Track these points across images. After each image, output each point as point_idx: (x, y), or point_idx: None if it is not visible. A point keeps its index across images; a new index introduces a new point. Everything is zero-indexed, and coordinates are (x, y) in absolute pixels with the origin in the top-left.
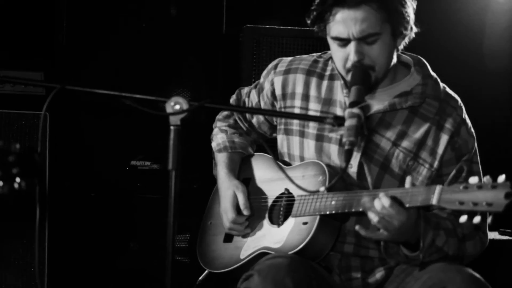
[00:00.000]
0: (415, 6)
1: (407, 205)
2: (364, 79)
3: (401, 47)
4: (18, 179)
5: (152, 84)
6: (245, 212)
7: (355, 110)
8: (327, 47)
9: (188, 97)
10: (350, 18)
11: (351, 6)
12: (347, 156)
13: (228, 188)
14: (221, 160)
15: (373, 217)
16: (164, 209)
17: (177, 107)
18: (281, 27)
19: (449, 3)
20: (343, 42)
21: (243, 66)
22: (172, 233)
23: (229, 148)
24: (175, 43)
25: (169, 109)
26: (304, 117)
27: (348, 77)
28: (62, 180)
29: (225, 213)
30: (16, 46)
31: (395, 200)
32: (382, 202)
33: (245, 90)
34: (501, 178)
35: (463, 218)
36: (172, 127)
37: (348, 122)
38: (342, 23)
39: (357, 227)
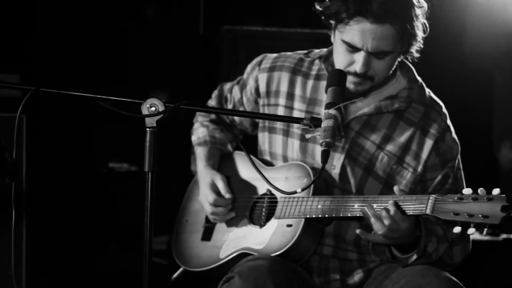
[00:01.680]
0: (427, 26)
1: None
2: (340, 81)
3: None
4: None
5: (130, 85)
6: (227, 196)
7: (332, 111)
8: (305, 48)
9: (166, 98)
10: (370, 32)
11: (374, 21)
12: (324, 157)
13: (206, 177)
14: (201, 154)
15: (377, 227)
16: (142, 211)
17: (153, 109)
18: (259, 28)
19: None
20: (353, 49)
21: (221, 67)
22: (149, 235)
23: (209, 142)
24: (152, 44)
25: (145, 111)
26: (281, 119)
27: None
28: (39, 182)
29: (205, 197)
30: None
31: (398, 208)
32: (389, 212)
33: (227, 85)
34: (496, 191)
35: (457, 229)
36: (148, 129)
37: (325, 123)
38: (361, 33)
39: (358, 231)
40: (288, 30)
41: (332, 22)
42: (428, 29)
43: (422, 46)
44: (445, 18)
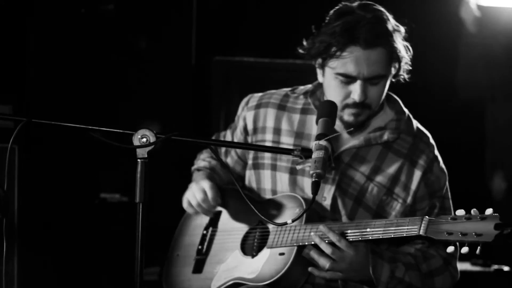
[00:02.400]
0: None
1: (392, 236)
2: (331, 112)
3: None
4: None
5: (122, 116)
6: (212, 202)
7: (322, 142)
8: (297, 79)
9: (158, 129)
10: (364, 58)
11: (367, 46)
12: (314, 188)
13: (199, 182)
14: (199, 174)
15: (322, 262)
16: (134, 241)
17: (144, 140)
18: (251, 59)
19: (421, 36)
20: (348, 79)
21: (213, 98)
22: (140, 266)
23: (209, 169)
24: (144, 75)
25: (136, 142)
26: (272, 150)
27: (343, 113)
28: (31, 213)
29: (193, 194)
30: None
31: (339, 236)
32: (331, 239)
33: (221, 134)
34: (489, 211)
35: (450, 249)
36: (139, 160)
37: (315, 154)
38: (355, 61)
39: (310, 269)
40: (280, 61)
41: (319, 61)
42: (411, 50)
43: (410, 67)
44: (437, 47)
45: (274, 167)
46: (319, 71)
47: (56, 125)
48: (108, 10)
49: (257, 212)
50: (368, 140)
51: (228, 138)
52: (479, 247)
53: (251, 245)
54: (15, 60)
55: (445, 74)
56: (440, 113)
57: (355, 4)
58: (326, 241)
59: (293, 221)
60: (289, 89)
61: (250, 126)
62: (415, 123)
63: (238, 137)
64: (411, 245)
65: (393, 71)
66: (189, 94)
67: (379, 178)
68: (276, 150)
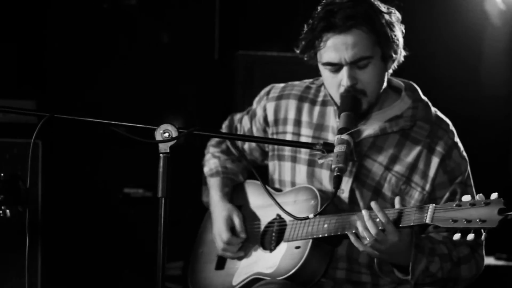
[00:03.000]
0: (403, 30)
1: (400, 225)
2: (353, 106)
3: (390, 71)
4: (2, 207)
5: (145, 111)
6: (242, 235)
7: (344, 136)
8: (319, 73)
9: (181, 123)
10: (341, 43)
11: (341, 31)
12: (336, 182)
13: (222, 211)
14: (214, 185)
15: (365, 235)
16: (157, 236)
17: (166, 134)
18: (274, 53)
19: (447, 28)
20: (335, 67)
21: (235, 93)
22: (162, 261)
23: (221, 173)
24: (167, 70)
25: (158, 137)
26: (294, 144)
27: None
28: (55, 207)
29: (219, 235)
30: (8, 74)
31: (388, 219)
32: (375, 221)
33: (237, 116)
34: (494, 195)
35: (456, 236)
36: (161, 155)
37: (337, 149)
38: (333, 48)
39: (348, 233)
40: (303, 56)
41: (312, 55)
42: (403, 31)
43: (406, 51)
44: (462, 41)
45: (294, 159)
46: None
47: (79, 120)
48: (130, 5)
49: (281, 207)
50: (384, 129)
51: (246, 124)
52: (484, 233)
53: (270, 239)
54: (37, 56)
55: (470, 68)
56: (464, 107)
57: None
58: (376, 220)
59: (314, 215)
60: (310, 80)
61: (271, 117)
62: (434, 110)
63: (257, 125)
64: (437, 231)
65: (380, 52)
66: (212, 88)
67: (397, 167)
68: (298, 144)
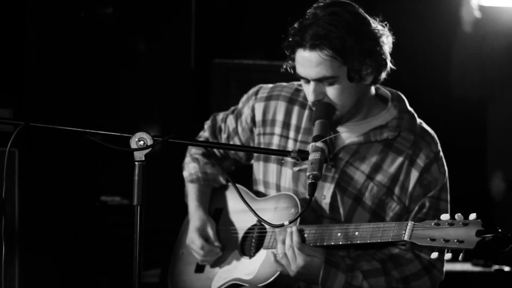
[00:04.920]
0: (390, 45)
1: (378, 240)
2: (327, 113)
3: (368, 82)
4: None
5: (121, 119)
6: (216, 244)
7: (319, 144)
8: (296, 81)
9: (157, 132)
10: (307, 60)
11: (306, 48)
12: (311, 190)
13: (196, 220)
14: (191, 192)
15: (278, 249)
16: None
17: (141, 142)
18: (250, 61)
19: (416, 34)
20: (305, 80)
21: (212, 101)
22: (138, 268)
23: (201, 180)
24: (143, 78)
25: (133, 145)
26: (269, 152)
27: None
28: (32, 216)
29: (192, 243)
30: None
31: (303, 239)
32: (291, 238)
33: (220, 116)
34: (472, 215)
35: (434, 255)
36: (136, 163)
37: (312, 156)
38: (301, 63)
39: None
40: (279, 63)
41: (291, 64)
42: (382, 50)
43: (388, 69)
44: (433, 45)
45: (280, 162)
46: None
47: (55, 129)
48: (107, 14)
49: (256, 214)
50: (367, 136)
51: (231, 123)
52: (461, 253)
53: (249, 245)
54: (14, 64)
55: (443, 73)
56: (438, 113)
57: (327, 1)
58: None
59: (290, 222)
60: (299, 83)
61: (259, 117)
62: (419, 122)
63: (243, 125)
64: (394, 246)
65: (347, 72)
66: (188, 96)
67: (379, 177)
68: (272, 152)
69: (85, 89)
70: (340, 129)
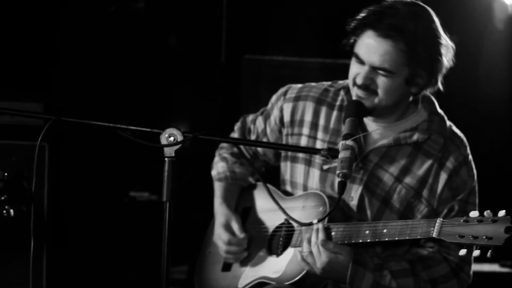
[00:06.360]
0: (447, 63)
1: (407, 237)
2: (358, 112)
3: (414, 91)
4: (6, 206)
5: (151, 115)
6: (241, 236)
7: (349, 142)
8: (326, 78)
9: (187, 128)
10: (374, 46)
11: (379, 34)
12: (340, 188)
13: (221, 216)
14: (218, 190)
15: (304, 247)
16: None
17: (171, 138)
18: (280, 58)
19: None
20: (359, 60)
21: (242, 97)
22: (166, 264)
23: (229, 178)
24: (174, 73)
25: (163, 141)
26: (299, 149)
27: (353, 91)
28: (61, 210)
29: (219, 238)
30: (17, 77)
31: (329, 237)
32: (317, 235)
33: (250, 117)
34: (502, 212)
35: (462, 252)
36: (166, 159)
37: (342, 154)
38: (366, 46)
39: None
40: (309, 60)
41: (352, 40)
42: (444, 66)
43: (439, 85)
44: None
45: (308, 162)
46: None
47: (85, 124)
48: (138, 8)
49: (285, 212)
50: (398, 140)
51: (260, 125)
52: (490, 250)
53: (277, 244)
54: (46, 59)
55: (472, 70)
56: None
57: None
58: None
59: (318, 221)
60: (329, 83)
61: (287, 118)
62: (449, 125)
63: (271, 126)
64: (423, 248)
65: (406, 73)
66: (219, 92)
67: (408, 180)
68: (302, 149)
69: (115, 84)
70: (370, 126)
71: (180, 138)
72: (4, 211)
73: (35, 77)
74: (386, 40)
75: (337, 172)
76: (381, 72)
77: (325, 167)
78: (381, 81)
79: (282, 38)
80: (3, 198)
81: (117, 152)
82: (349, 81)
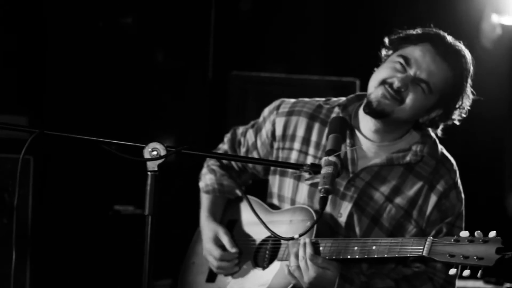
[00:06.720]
0: (464, 110)
1: (396, 255)
2: (341, 128)
3: (422, 121)
4: None
5: (137, 129)
6: (233, 250)
7: (332, 158)
8: (313, 95)
9: (173, 143)
10: (428, 61)
11: (437, 53)
12: (322, 203)
13: (208, 231)
14: (205, 202)
15: (292, 262)
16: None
17: (154, 153)
18: (267, 74)
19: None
20: (403, 67)
21: (229, 113)
22: (148, 278)
23: (217, 191)
24: (160, 88)
25: (146, 155)
26: (281, 165)
27: (376, 90)
28: (45, 223)
29: (210, 254)
30: (4, 91)
31: (317, 251)
32: (305, 250)
33: (240, 129)
34: (492, 233)
35: (452, 271)
36: (149, 173)
37: (324, 170)
38: (422, 53)
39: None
40: (298, 77)
41: (395, 46)
42: (465, 112)
43: (439, 130)
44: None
45: (297, 177)
46: (385, 53)
47: (69, 137)
48: (126, 24)
49: (266, 226)
50: (391, 160)
51: (251, 137)
52: (480, 270)
53: (263, 257)
54: (33, 73)
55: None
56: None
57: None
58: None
59: (300, 235)
60: (323, 99)
61: (279, 132)
62: (441, 148)
63: (262, 139)
64: (408, 267)
65: (434, 101)
66: (205, 108)
67: (398, 200)
68: (286, 165)
69: (102, 99)
70: (360, 142)
71: (163, 152)
72: None
73: (22, 91)
74: (443, 61)
75: (319, 187)
76: (422, 85)
77: (308, 182)
78: (415, 93)
79: (270, 55)
80: None
81: (102, 165)
82: (373, 81)
